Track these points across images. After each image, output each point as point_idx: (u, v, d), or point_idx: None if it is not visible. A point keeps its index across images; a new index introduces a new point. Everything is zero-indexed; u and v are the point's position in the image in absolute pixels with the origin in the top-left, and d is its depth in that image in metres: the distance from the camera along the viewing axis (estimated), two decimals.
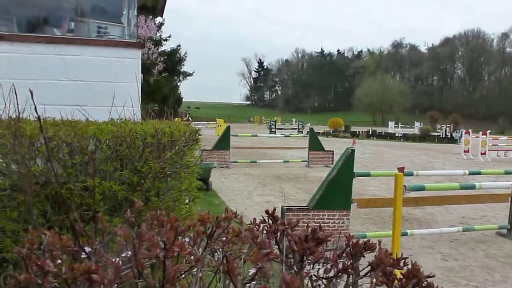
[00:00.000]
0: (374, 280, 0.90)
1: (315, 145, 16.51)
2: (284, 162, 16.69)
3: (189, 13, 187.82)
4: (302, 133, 31.00)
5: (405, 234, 6.36)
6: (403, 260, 0.95)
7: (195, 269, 0.96)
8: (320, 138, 18.83)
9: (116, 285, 0.90)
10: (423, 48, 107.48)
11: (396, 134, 41.54)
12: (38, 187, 2.67)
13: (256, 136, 21.12)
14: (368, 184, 11.90)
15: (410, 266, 0.95)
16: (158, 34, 28.34)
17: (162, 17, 17.28)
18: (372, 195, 10.32)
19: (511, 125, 58.75)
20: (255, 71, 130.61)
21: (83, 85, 3.96)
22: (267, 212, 1.10)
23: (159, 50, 26.72)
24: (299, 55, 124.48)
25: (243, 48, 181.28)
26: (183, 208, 2.96)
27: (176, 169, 2.82)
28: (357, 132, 42.08)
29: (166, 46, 32.14)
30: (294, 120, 57.26)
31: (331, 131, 43.45)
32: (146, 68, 21.59)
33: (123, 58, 3.99)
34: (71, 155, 2.77)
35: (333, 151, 16.45)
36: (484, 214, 9.00)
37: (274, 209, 1.12)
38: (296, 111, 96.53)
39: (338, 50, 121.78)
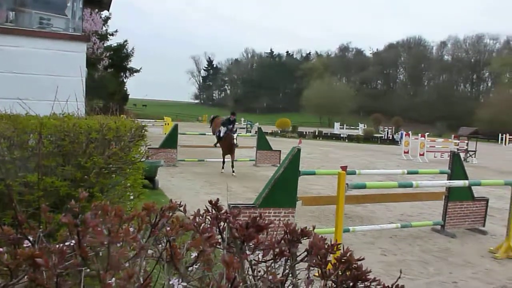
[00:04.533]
0: (308, 263, 0.97)
1: (263, 144, 16.71)
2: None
3: (141, 9, 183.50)
4: (250, 132, 31.21)
5: (347, 230, 6.59)
6: (336, 246, 1.02)
7: (139, 258, 0.98)
8: (268, 138, 19.04)
9: (59, 277, 0.91)
10: (368, 53, 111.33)
11: (341, 135, 42.84)
12: None
13: (205, 134, 21.01)
14: (314, 183, 12.20)
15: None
16: (104, 29, 27.55)
17: (108, 11, 16.83)
18: (317, 193, 10.59)
19: (448, 129, 61.98)
20: (204, 70, 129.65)
21: (24, 77, 3.80)
22: (210, 202, 1.14)
23: (105, 45, 25.97)
24: (249, 55, 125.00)
25: (193, 46, 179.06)
26: (128, 205, 2.93)
27: (122, 165, 2.79)
28: (304, 133, 42.94)
29: (113, 41, 31.33)
30: (243, 119, 57.47)
31: (279, 131, 44.05)
32: (91, 63, 20.92)
33: (67, 51, 3.87)
34: (10, 150, 2.67)
35: (280, 151, 16.69)
36: (421, 212, 9.49)
37: (217, 199, 1.16)
38: (245, 111, 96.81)
39: (287, 52, 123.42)
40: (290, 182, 6.50)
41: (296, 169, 6.56)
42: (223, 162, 14.33)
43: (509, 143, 48.73)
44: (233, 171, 13.82)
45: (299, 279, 1.00)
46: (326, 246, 1.01)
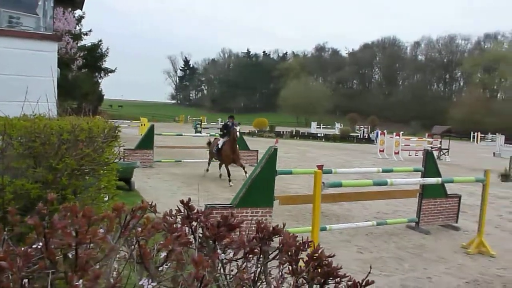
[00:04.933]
0: (279, 260, 0.98)
1: (240, 144, 16.66)
2: None
3: (115, 8, 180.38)
4: None
5: (324, 229, 6.65)
6: (307, 243, 1.03)
7: (110, 259, 0.97)
8: (245, 137, 19.06)
9: (27, 280, 0.89)
10: (344, 53, 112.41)
11: (318, 135, 43.17)
12: None
13: (181, 135, 20.88)
14: (291, 182, 12.28)
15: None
16: (77, 28, 27.09)
17: (81, 10, 16.54)
18: (294, 192, 10.64)
19: (422, 127, 63.15)
20: (180, 70, 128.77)
21: None
22: (182, 202, 1.14)
23: (78, 45, 25.53)
24: (226, 55, 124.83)
25: (169, 46, 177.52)
26: (102, 206, 2.88)
27: (95, 167, 2.74)
28: (282, 132, 43.11)
29: (87, 41, 30.84)
30: (220, 119, 57.43)
31: (256, 131, 44.10)
32: (64, 63, 20.52)
33: (37, 51, 3.77)
34: None
35: (257, 151, 16.71)
36: (397, 209, 9.65)
37: (189, 199, 1.16)
38: (222, 111, 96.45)
39: (264, 52, 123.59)
40: (267, 181, 6.52)
41: (273, 168, 6.58)
42: (229, 174, 12.12)
43: (480, 141, 50.09)
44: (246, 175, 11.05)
45: (272, 277, 1.01)
46: (297, 244, 1.02)
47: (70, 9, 15.79)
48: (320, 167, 6.01)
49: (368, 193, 8.26)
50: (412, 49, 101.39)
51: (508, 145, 32.26)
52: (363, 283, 0.97)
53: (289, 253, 0.99)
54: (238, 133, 12.36)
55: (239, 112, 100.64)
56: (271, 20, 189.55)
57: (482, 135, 51.51)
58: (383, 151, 24.26)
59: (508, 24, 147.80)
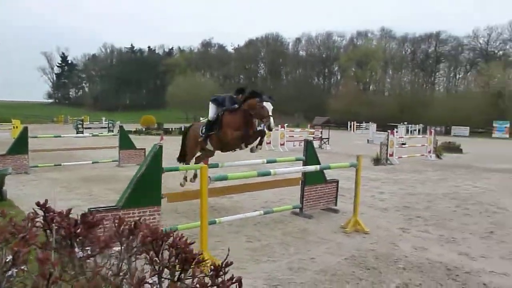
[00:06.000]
0: (136, 251, 1.00)
1: (126, 143, 16.15)
2: (93, 163, 15.84)
3: None
4: (113, 131, 29.90)
5: (213, 222, 6.75)
6: (169, 234, 1.07)
7: None
8: (132, 136, 18.45)
9: None
10: (230, 49, 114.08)
11: None
12: None
13: (60, 136, 19.49)
14: (181, 179, 12.18)
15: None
16: None
17: None
18: (184, 189, 10.58)
19: (305, 119, 66.80)
20: (58, 66, 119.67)
21: None
22: (37, 204, 1.10)
23: None
24: (108, 50, 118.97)
25: (43, 40, 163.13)
26: None
27: None
28: (170, 129, 42.47)
29: None
30: (104, 118, 54.82)
31: (144, 129, 42.92)
32: None
33: None
34: None
35: (144, 149, 16.28)
36: (283, 198, 10.12)
37: (46, 201, 1.12)
38: (106, 109, 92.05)
39: (149, 47, 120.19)
40: (153, 180, 6.41)
41: (159, 166, 6.49)
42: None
43: (356, 129, 54.68)
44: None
45: (135, 268, 1.03)
46: (161, 235, 1.05)
47: None
48: (206, 161, 6.08)
49: (254, 184, 8.57)
50: (293, 45, 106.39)
51: (379, 132, 35.56)
52: (223, 265, 1.03)
53: (151, 244, 1.02)
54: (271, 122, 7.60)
55: (125, 110, 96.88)
56: (156, 15, 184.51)
57: (358, 124, 56.21)
58: (269, 143, 25.20)
59: (376, 23, 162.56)
